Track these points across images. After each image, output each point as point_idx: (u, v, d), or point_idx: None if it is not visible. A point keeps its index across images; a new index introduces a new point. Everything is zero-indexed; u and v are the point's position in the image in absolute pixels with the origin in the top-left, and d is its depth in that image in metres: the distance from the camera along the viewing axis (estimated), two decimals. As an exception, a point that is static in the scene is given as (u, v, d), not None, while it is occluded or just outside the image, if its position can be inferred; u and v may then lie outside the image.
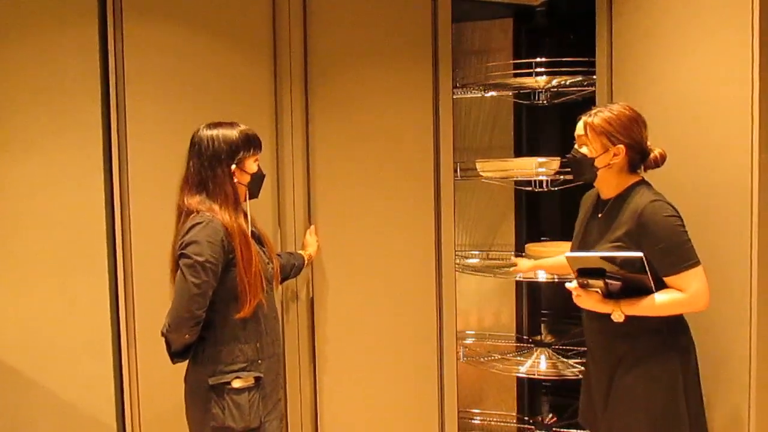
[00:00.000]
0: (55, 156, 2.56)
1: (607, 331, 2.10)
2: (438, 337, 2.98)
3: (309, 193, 2.83)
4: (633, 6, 2.61)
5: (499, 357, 2.99)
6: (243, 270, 2.04)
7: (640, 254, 1.91)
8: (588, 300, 2.06)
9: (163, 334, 2.03)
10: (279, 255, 2.50)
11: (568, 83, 2.99)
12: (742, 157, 2.06)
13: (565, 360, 2.94)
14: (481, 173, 2.99)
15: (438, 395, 3.00)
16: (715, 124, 2.17)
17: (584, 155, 2.12)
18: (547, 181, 2.97)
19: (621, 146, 2.06)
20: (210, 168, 2.08)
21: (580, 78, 2.91)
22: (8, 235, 2.54)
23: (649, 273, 1.93)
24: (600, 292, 2.03)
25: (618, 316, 2.00)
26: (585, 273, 2.03)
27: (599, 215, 2.16)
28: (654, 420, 2.00)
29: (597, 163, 2.10)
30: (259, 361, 2.12)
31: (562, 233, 3.06)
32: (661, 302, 1.96)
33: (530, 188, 3.09)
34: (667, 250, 1.95)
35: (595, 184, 2.19)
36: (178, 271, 1.98)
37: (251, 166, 2.18)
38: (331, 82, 2.83)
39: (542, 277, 2.87)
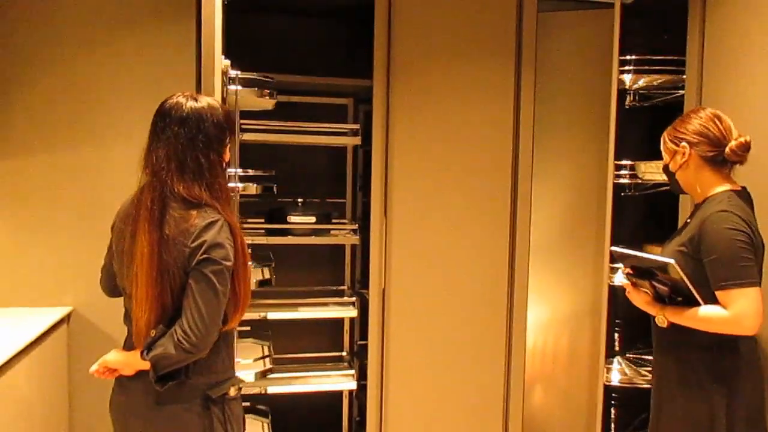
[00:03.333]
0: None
1: (659, 338, 2.09)
2: (507, 338, 2.99)
3: (386, 186, 2.88)
4: (728, 3, 2.50)
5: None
6: (243, 277, 1.78)
7: (671, 260, 1.87)
8: (636, 298, 2.07)
9: (164, 356, 1.67)
10: None
11: (656, 84, 2.90)
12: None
13: (636, 368, 2.88)
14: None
15: (503, 396, 3.01)
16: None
17: (665, 165, 2.13)
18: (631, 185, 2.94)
19: (684, 144, 2.03)
20: (205, 155, 1.74)
21: (670, 78, 2.81)
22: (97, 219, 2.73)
23: (689, 282, 1.87)
24: (649, 293, 2.02)
25: (661, 321, 1.99)
26: (638, 272, 2.03)
27: (689, 219, 2.12)
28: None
29: (671, 168, 2.09)
30: (234, 368, 1.91)
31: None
32: (703, 315, 1.89)
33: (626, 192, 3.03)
34: (719, 262, 1.88)
35: (686, 191, 2.14)
36: (202, 279, 1.67)
37: (228, 153, 1.85)
38: (412, 77, 2.86)
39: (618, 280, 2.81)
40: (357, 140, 3.14)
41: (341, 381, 3.18)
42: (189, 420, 1.75)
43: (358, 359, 3.36)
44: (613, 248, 2.14)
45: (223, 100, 2.33)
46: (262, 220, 3.13)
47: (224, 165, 1.83)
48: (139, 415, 1.78)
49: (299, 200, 3.18)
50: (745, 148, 1.98)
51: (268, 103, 2.86)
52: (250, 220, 3.20)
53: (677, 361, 2.03)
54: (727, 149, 1.98)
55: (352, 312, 3.18)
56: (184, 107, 1.74)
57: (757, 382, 1.99)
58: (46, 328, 2.51)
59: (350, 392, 3.34)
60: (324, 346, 3.46)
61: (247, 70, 2.73)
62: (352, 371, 3.25)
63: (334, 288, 3.44)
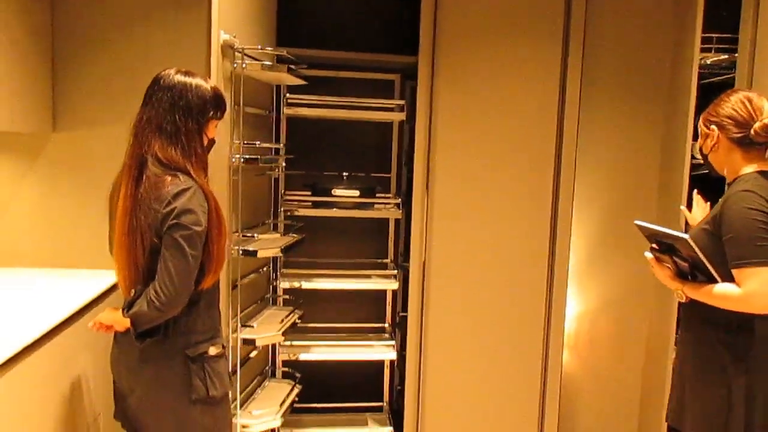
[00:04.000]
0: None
1: (682, 315, 2.13)
2: (546, 312, 3.01)
3: (428, 161, 2.92)
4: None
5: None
6: (217, 240, 1.88)
7: (686, 236, 1.89)
8: (659, 272, 2.08)
9: (140, 314, 1.83)
10: None
11: (708, 62, 2.80)
12: None
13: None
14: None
15: (541, 368, 3.03)
16: None
17: (699, 147, 2.14)
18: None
19: (713, 127, 2.03)
20: (183, 121, 1.86)
21: (724, 57, 2.71)
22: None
23: (704, 259, 1.88)
24: (671, 269, 2.04)
25: (679, 296, 2.03)
26: (661, 248, 2.03)
27: (720, 199, 2.10)
28: (709, 416, 1.98)
29: (704, 151, 2.10)
30: (219, 329, 2.01)
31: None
32: (717, 293, 1.92)
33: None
34: (735, 241, 1.88)
35: (719, 172, 2.13)
36: (172, 243, 1.79)
37: (212, 130, 1.97)
38: (457, 54, 2.88)
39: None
40: (402, 116, 3.19)
41: (382, 351, 3.28)
42: (169, 376, 1.90)
43: (400, 331, 3.44)
44: (637, 222, 2.14)
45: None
46: (309, 193, 3.23)
47: (208, 140, 1.95)
48: (128, 369, 1.95)
49: (344, 174, 3.26)
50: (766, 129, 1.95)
51: (283, 77, 2.88)
52: (296, 192, 3.31)
53: (695, 338, 2.06)
54: (751, 130, 1.96)
55: (393, 284, 3.26)
56: (172, 77, 1.89)
57: None
58: (108, 286, 2.70)
59: (392, 362, 3.44)
60: (367, 318, 3.56)
61: (295, 46, 2.81)
62: (393, 342, 3.34)
63: (378, 261, 3.52)
